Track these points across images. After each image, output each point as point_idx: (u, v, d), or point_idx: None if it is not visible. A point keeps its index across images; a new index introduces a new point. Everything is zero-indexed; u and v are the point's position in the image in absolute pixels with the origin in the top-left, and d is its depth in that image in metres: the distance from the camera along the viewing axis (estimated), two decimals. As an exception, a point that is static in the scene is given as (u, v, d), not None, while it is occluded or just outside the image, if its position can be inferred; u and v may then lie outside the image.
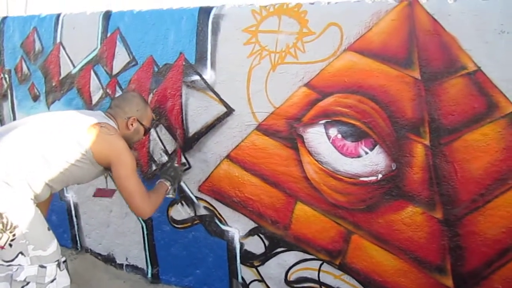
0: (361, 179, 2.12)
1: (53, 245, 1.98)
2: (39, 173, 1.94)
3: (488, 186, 1.89)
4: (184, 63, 2.45)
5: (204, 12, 2.37)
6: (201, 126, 2.47)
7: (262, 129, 2.30)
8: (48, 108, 2.99)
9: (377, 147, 2.06)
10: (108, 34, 2.67)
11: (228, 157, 2.43)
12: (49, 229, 2.01)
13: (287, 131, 2.24)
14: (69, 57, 2.86)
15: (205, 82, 2.40)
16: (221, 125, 2.41)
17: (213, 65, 2.37)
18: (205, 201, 2.57)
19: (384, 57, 1.99)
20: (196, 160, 2.53)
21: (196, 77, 2.43)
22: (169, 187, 2.35)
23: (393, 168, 2.04)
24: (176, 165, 2.50)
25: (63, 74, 2.90)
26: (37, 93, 3.02)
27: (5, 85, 3.19)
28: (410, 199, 2.03)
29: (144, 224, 2.83)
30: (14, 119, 3.17)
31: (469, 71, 1.86)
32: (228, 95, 2.36)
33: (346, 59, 2.06)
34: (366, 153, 2.09)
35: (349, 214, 2.18)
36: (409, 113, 1.97)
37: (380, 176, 2.08)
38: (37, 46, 2.97)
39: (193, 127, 2.49)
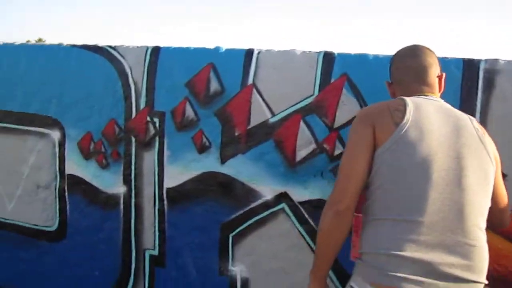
0: None
1: None
2: None
3: None
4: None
5: (470, 65, 2.12)
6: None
7: None
8: (222, 162, 2.41)
9: None
10: (332, 80, 2.26)
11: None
12: None
13: None
14: (265, 103, 2.35)
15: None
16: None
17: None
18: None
19: None
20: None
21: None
22: None
23: None
24: None
25: (254, 123, 2.37)
26: (207, 144, 2.42)
27: (152, 131, 2.51)
28: None
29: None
30: (161, 173, 2.50)
31: None
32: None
33: None
34: None
35: None
36: None
37: None
38: (214, 86, 2.40)
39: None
